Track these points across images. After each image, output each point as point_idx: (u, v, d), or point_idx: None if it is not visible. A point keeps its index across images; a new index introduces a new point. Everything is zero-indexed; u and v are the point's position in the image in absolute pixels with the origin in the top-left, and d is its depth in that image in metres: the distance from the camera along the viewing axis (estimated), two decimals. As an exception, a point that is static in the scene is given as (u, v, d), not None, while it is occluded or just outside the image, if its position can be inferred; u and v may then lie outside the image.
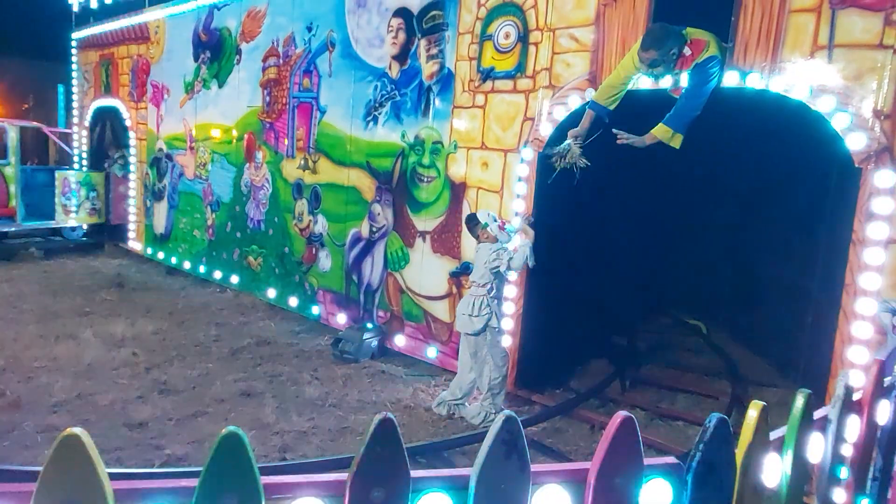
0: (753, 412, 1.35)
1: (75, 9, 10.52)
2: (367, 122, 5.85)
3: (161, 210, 8.95)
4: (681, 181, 6.79)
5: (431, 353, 5.39)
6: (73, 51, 10.72)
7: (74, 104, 10.77)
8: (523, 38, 4.62)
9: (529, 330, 4.80)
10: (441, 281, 5.29)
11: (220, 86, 7.71)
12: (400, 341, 5.67)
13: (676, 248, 7.53)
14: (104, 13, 9.83)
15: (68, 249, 9.59)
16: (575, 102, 4.35)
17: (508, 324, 4.78)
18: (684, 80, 3.67)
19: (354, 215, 6.06)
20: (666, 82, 3.80)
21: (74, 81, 10.77)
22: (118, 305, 6.71)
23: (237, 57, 7.43)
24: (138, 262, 9.11)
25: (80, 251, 9.59)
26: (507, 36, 4.72)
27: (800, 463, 1.53)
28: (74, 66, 10.73)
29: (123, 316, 6.26)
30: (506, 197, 4.79)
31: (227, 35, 7.56)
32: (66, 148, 10.79)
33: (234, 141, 7.51)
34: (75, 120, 10.74)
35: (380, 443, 1.07)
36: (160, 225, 8.98)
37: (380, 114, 5.73)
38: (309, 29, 6.47)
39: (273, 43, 6.92)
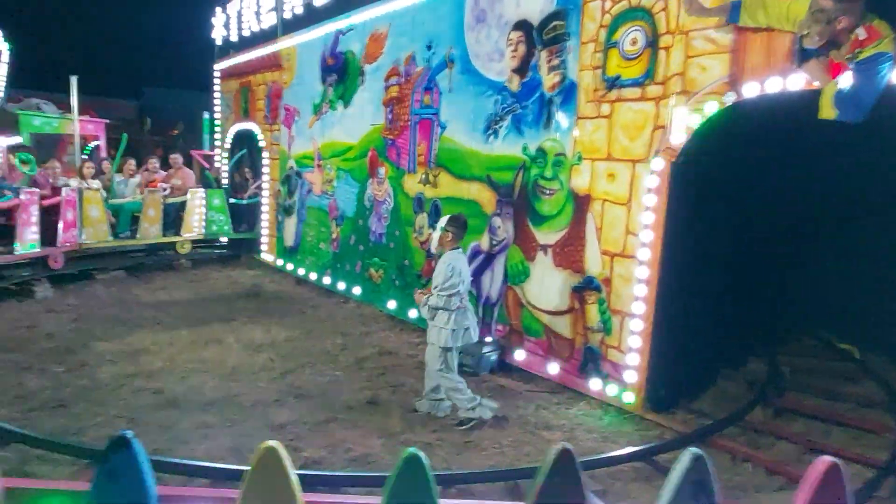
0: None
1: (218, 42, 11.55)
2: (488, 135, 5.87)
3: (291, 224, 9.52)
4: (828, 185, 6.19)
5: (552, 369, 5.27)
6: (216, 80, 11.74)
7: (217, 129, 11.78)
8: (652, 43, 4.43)
9: (658, 350, 4.55)
10: (563, 296, 5.16)
11: (346, 106, 8.09)
12: (519, 356, 5.60)
13: (822, 261, 6.85)
14: (242, 45, 10.70)
15: (211, 260, 10.45)
16: (712, 108, 4.09)
17: (637, 342, 4.57)
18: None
19: (474, 229, 6.07)
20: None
21: (217, 108, 11.79)
22: (255, 313, 7.20)
23: (361, 78, 7.76)
24: (271, 272, 9.74)
25: (220, 262, 10.42)
26: (633, 42, 4.55)
27: None
28: (217, 94, 11.74)
29: (260, 323, 6.71)
30: (634, 209, 4.59)
31: (351, 58, 7.92)
32: (210, 169, 11.80)
33: (357, 158, 7.84)
34: (217, 143, 11.74)
35: (558, 473, 1.02)
36: (290, 238, 9.55)
37: (500, 127, 5.73)
38: (429, 47, 6.62)
39: (395, 63, 7.16)
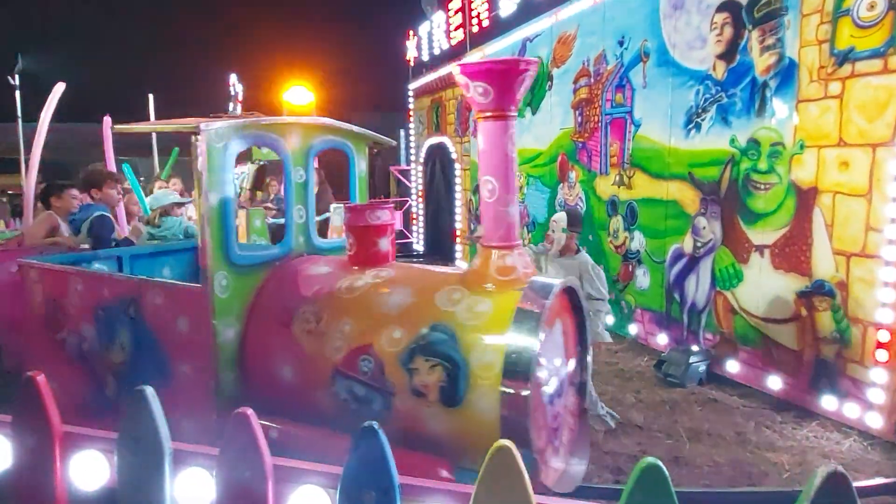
0: None
1: (411, 64, 12.34)
2: (689, 130, 5.48)
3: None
4: None
5: (774, 383, 4.72)
6: (410, 99, 12.54)
7: (412, 144, 12.57)
8: (896, 6, 3.79)
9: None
10: (785, 302, 4.61)
11: (534, 112, 8.11)
12: (732, 367, 5.11)
13: None
14: (433, 63, 11.30)
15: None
16: (983, 73, 3.37)
17: (884, 356, 3.91)
18: None
19: (675, 230, 5.71)
20: None
21: (411, 125, 12.59)
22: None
23: (549, 83, 7.73)
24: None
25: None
26: (871, 6, 3.92)
27: None
28: (411, 112, 12.54)
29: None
30: (876, 201, 3.94)
31: (539, 64, 7.93)
32: (407, 182, 12.63)
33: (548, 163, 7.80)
34: (412, 158, 12.52)
35: (829, 498, 0.89)
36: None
37: (703, 120, 5.31)
38: (620, 43, 6.38)
39: (584, 63, 7.01)
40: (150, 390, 1.36)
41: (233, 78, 15.29)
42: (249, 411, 1.37)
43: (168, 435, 1.39)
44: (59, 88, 6.07)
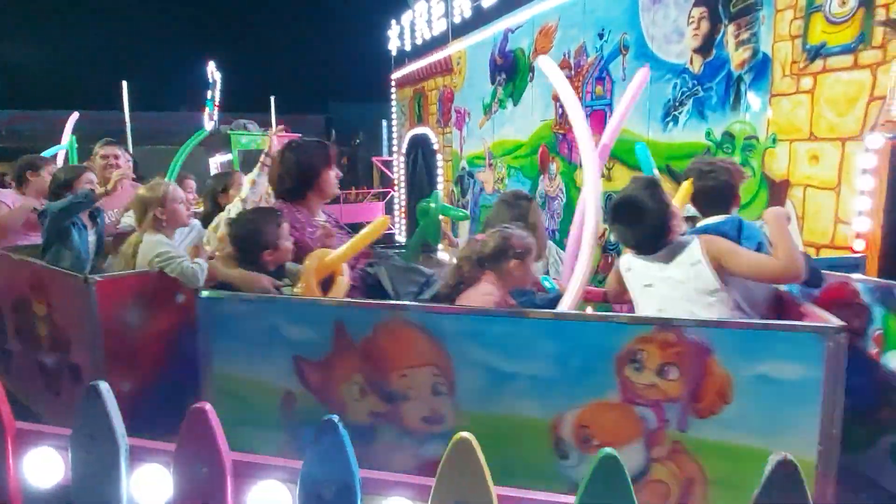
0: None
1: (393, 53, 12.26)
2: (666, 123, 5.51)
3: (464, 223, 9.78)
4: None
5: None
6: (392, 89, 12.46)
7: (394, 135, 12.51)
8: (867, 1, 3.83)
9: None
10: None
11: (515, 104, 8.11)
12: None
13: None
14: (416, 53, 11.23)
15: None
16: (949, 70, 3.43)
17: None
18: None
19: (652, 222, 5.75)
20: None
21: (394, 116, 12.52)
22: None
23: (530, 74, 7.73)
24: (445, 271, 10.09)
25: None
26: (843, 3, 3.96)
27: None
28: (394, 103, 12.47)
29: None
30: (844, 194, 4.01)
31: (520, 55, 7.93)
32: (389, 174, 12.59)
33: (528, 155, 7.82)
34: (395, 149, 12.47)
35: (779, 485, 0.92)
36: (463, 236, 9.82)
37: (680, 113, 5.35)
38: (600, 35, 6.39)
39: (565, 55, 7.02)
40: (104, 385, 1.34)
41: (211, 65, 15.09)
42: (207, 406, 1.35)
43: (124, 431, 1.37)
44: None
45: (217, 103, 15.05)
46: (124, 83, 9.58)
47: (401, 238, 12.59)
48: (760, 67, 4.58)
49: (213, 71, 14.96)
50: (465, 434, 1.18)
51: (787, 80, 4.38)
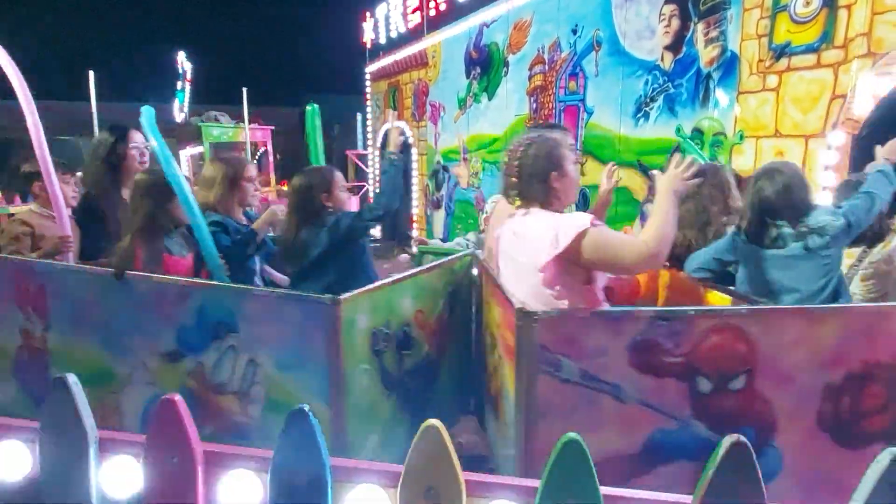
0: None
1: (368, 46, 12.18)
2: (638, 119, 5.60)
3: (439, 218, 9.80)
4: None
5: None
6: (367, 82, 12.40)
7: (369, 129, 12.46)
8: (830, 2, 3.94)
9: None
10: (724, 286, 4.79)
11: (490, 98, 8.14)
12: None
13: None
14: (390, 46, 11.19)
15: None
16: (906, 70, 3.55)
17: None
18: None
19: (625, 216, 5.84)
20: None
21: (369, 109, 12.45)
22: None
23: (505, 69, 7.77)
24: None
25: (376, 253, 11.01)
26: (807, 3, 4.07)
27: None
28: (369, 96, 12.40)
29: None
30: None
31: (495, 49, 7.96)
32: (364, 167, 12.53)
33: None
34: (370, 143, 12.41)
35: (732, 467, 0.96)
36: (439, 231, 9.84)
37: (651, 109, 5.44)
38: (574, 31, 6.45)
39: (539, 51, 7.07)
40: (72, 377, 1.33)
41: (181, 55, 14.81)
42: (177, 396, 1.35)
43: (93, 423, 1.37)
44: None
45: (187, 94, 14.79)
46: (91, 73, 9.33)
47: (375, 232, 12.56)
48: (729, 65, 4.68)
49: (182, 61, 14.69)
50: (433, 421, 1.21)
51: (753, 78, 4.48)
